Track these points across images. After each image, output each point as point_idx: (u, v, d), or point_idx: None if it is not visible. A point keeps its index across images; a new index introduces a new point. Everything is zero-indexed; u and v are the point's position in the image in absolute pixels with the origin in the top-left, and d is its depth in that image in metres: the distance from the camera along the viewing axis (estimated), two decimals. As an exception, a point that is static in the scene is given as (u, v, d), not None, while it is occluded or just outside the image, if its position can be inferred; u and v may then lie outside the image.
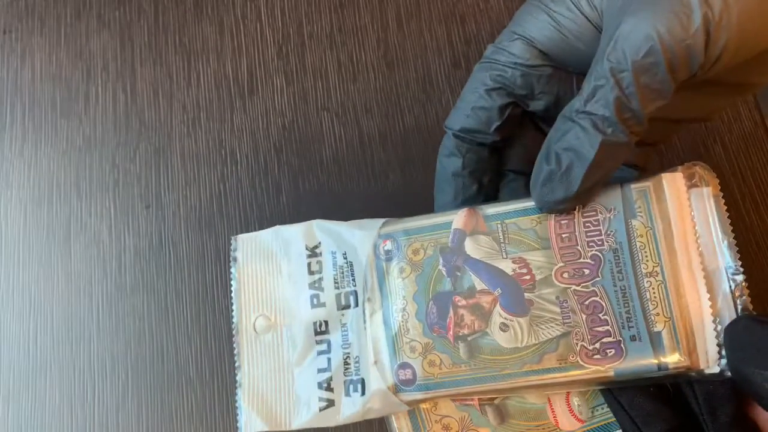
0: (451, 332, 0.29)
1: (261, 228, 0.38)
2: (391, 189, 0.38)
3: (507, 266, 0.29)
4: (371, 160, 0.38)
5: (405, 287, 0.30)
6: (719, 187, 0.28)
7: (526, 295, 0.28)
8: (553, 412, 0.31)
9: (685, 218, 0.28)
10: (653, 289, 0.27)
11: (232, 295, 0.32)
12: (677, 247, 0.27)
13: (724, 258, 0.27)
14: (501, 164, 0.33)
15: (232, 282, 0.32)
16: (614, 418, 0.31)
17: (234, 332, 0.31)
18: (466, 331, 0.29)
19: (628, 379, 0.27)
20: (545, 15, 0.29)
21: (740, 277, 0.27)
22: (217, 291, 0.37)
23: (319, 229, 0.32)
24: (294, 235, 0.32)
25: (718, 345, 0.26)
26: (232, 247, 0.32)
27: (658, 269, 0.27)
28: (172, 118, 0.39)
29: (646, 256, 0.28)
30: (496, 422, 0.30)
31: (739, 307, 0.27)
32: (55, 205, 0.38)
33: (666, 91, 0.25)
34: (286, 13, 0.41)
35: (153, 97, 0.39)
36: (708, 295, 0.27)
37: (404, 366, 0.29)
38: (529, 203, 0.29)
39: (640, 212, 0.28)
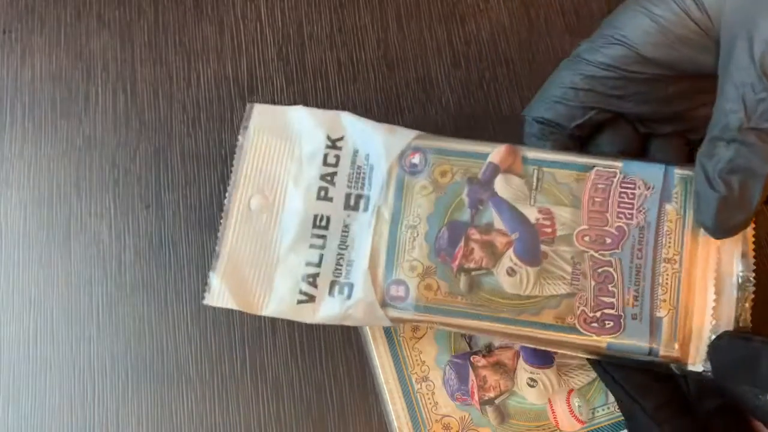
0: (456, 262, 0.28)
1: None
2: (391, 189, 0.38)
3: (531, 213, 0.28)
4: (371, 160, 0.38)
5: (422, 206, 0.29)
6: None
7: (542, 247, 0.28)
8: (553, 412, 0.30)
9: None
10: (667, 275, 0.27)
11: (233, 164, 0.30)
12: (700, 242, 0.27)
13: (739, 266, 0.27)
14: (590, 147, 0.32)
15: (236, 151, 0.30)
16: (615, 420, 0.31)
17: (225, 203, 0.30)
18: (472, 265, 0.28)
19: (616, 355, 0.27)
20: (647, 19, 0.28)
21: (750, 289, 0.27)
22: (217, 291, 0.37)
23: (347, 122, 0.30)
24: (318, 119, 0.31)
25: (708, 346, 0.27)
26: (245, 115, 0.31)
27: (677, 258, 0.27)
28: (172, 118, 0.39)
29: (670, 242, 0.27)
30: (497, 422, 0.30)
31: (740, 317, 0.27)
32: (54, 205, 0.38)
33: None
34: (286, 14, 0.41)
35: (153, 97, 0.39)
36: (714, 297, 0.27)
37: (398, 282, 0.29)
38: (575, 158, 0.29)
39: (676, 198, 0.28)
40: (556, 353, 0.28)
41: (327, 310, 0.29)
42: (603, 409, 0.31)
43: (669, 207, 0.28)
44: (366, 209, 0.29)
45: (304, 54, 0.40)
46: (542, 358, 0.30)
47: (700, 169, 0.26)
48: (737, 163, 0.25)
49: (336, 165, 0.30)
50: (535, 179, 0.28)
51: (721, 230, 0.26)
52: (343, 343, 0.36)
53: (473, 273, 0.28)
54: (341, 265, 0.29)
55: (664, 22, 0.28)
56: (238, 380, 0.36)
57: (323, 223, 0.30)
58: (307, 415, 0.35)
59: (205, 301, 0.30)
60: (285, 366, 0.36)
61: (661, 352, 0.27)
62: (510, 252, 0.28)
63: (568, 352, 0.29)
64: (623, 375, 0.28)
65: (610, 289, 0.27)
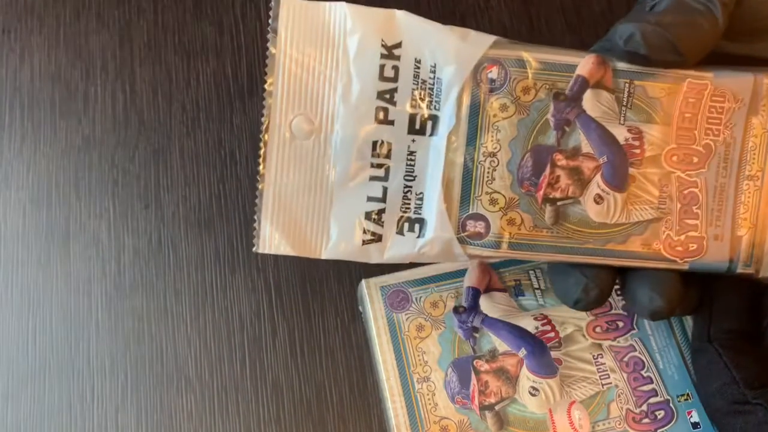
0: (541, 192, 0.26)
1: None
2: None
3: (621, 134, 0.26)
4: (371, 160, 0.38)
5: (503, 129, 0.26)
6: None
7: (630, 169, 0.26)
8: (553, 423, 0.30)
9: None
10: (749, 193, 0.26)
11: (266, 81, 0.25)
12: None
13: None
14: None
15: (267, 63, 0.25)
16: None
17: (262, 130, 0.26)
18: (558, 195, 0.26)
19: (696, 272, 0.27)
20: None
21: None
22: (217, 291, 0.37)
23: (406, 24, 0.25)
24: (367, 21, 0.25)
25: None
26: (272, 14, 0.25)
27: (760, 174, 0.26)
28: (171, 118, 0.39)
29: (754, 158, 0.26)
30: (495, 428, 0.30)
31: None
32: (53, 205, 0.38)
33: None
34: (285, 13, 0.40)
35: (152, 97, 0.39)
36: None
37: (477, 217, 0.26)
38: (667, 70, 0.26)
39: (764, 110, 0.26)
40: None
41: (397, 250, 0.26)
42: (604, 423, 0.30)
43: (755, 120, 0.26)
44: (435, 133, 0.26)
45: (304, 54, 0.40)
46: (546, 368, 0.29)
47: None
48: None
49: (395, 79, 0.25)
50: (626, 94, 0.26)
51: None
52: (343, 344, 0.36)
53: (559, 203, 0.26)
54: (409, 199, 0.26)
55: None
56: (237, 381, 0.36)
57: (384, 151, 0.26)
58: (306, 417, 0.35)
59: (256, 249, 0.26)
60: (285, 367, 0.36)
61: (739, 269, 0.26)
62: (598, 177, 0.26)
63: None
64: (721, 293, 0.28)
65: (695, 210, 0.26)
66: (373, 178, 0.26)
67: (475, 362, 0.27)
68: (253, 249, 0.26)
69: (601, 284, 0.26)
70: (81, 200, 0.38)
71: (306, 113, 0.26)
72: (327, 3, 0.26)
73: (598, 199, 0.26)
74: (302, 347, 0.36)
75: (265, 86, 0.25)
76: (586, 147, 0.26)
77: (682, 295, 0.27)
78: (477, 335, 0.27)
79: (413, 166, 0.26)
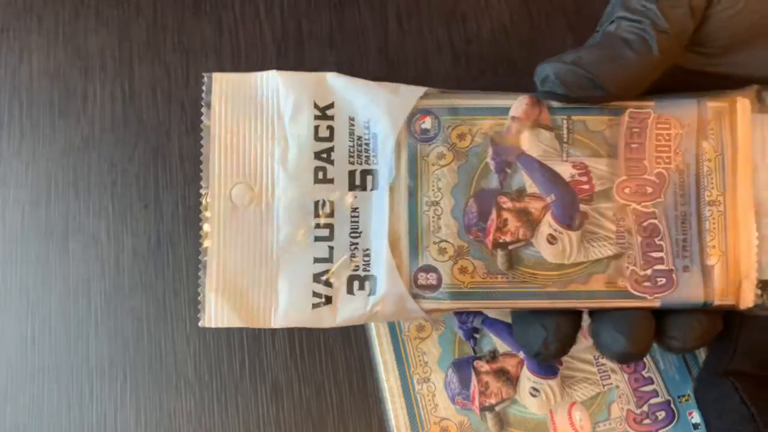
0: (490, 237, 0.25)
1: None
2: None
3: (566, 170, 0.25)
4: (371, 160, 0.38)
5: (443, 177, 0.25)
6: None
7: (581, 206, 0.25)
8: (554, 424, 0.30)
9: (747, 146, 0.26)
10: (713, 219, 0.25)
11: (202, 152, 0.26)
12: (739, 178, 0.25)
13: None
14: None
15: (202, 136, 0.25)
16: None
17: (202, 201, 0.26)
18: (508, 238, 0.25)
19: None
20: None
21: None
22: (216, 291, 0.37)
23: (336, 84, 0.26)
24: (298, 86, 0.26)
25: (757, 285, 0.25)
26: (204, 88, 0.26)
27: (721, 198, 0.25)
28: (170, 117, 0.39)
29: (711, 183, 0.25)
30: (495, 429, 0.30)
31: None
32: (52, 204, 0.38)
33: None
34: (285, 12, 0.40)
35: (151, 97, 0.39)
36: (756, 234, 0.25)
37: (428, 269, 0.25)
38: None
39: (712, 134, 0.25)
40: (561, 365, 0.27)
41: (349, 311, 0.25)
42: (605, 424, 0.30)
43: (706, 144, 0.25)
44: (375, 187, 0.26)
45: (304, 53, 0.40)
46: (546, 369, 0.29)
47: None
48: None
49: (331, 138, 0.25)
50: (565, 130, 0.26)
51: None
52: (343, 344, 0.36)
53: (511, 247, 0.25)
54: (357, 256, 0.26)
55: None
56: (237, 381, 0.36)
57: (327, 210, 0.26)
58: (306, 417, 0.35)
59: (202, 323, 0.25)
60: (284, 367, 0.36)
61: (716, 302, 0.25)
62: (548, 217, 0.25)
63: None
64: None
65: (658, 242, 0.25)
66: (318, 239, 0.26)
67: (475, 363, 0.27)
68: (199, 323, 0.26)
69: (561, 337, 0.25)
70: (80, 200, 0.38)
71: (245, 181, 0.26)
72: (259, 73, 0.26)
73: (552, 240, 0.25)
74: (302, 347, 0.36)
75: (201, 158, 0.26)
76: (531, 187, 0.25)
77: (651, 334, 0.26)
78: (477, 336, 0.27)
79: (357, 222, 0.26)
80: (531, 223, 0.25)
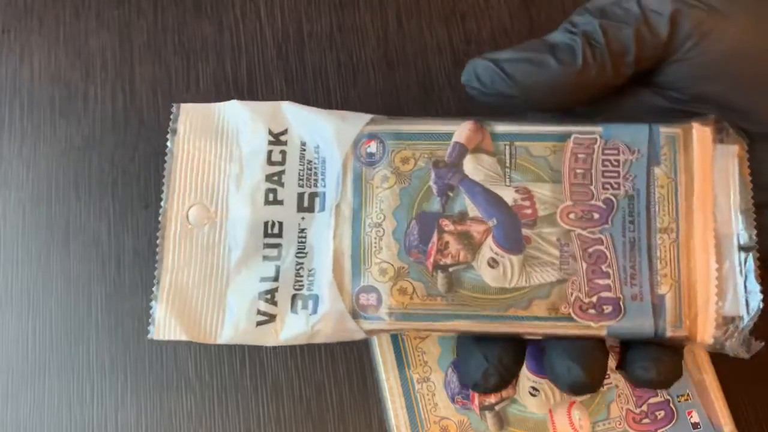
0: (431, 259, 0.25)
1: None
2: (391, 189, 0.38)
3: (508, 195, 0.25)
4: (371, 160, 0.38)
5: (386, 199, 0.26)
6: (746, 149, 0.26)
7: (524, 231, 0.25)
8: (553, 423, 0.30)
9: (707, 175, 0.25)
10: (665, 247, 0.25)
11: (164, 174, 0.27)
12: (695, 206, 0.25)
13: (738, 225, 0.25)
14: None
15: (166, 159, 0.27)
16: None
17: (160, 219, 0.27)
18: (448, 261, 0.25)
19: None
20: None
21: (754, 247, 0.25)
22: (217, 291, 0.37)
23: (290, 112, 0.27)
24: (255, 114, 0.27)
25: (716, 319, 0.24)
26: (172, 116, 0.28)
27: (673, 226, 0.25)
28: (171, 117, 0.39)
29: (663, 210, 0.25)
30: (495, 428, 0.30)
31: (747, 281, 0.25)
32: (53, 204, 0.38)
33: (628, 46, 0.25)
34: (285, 13, 0.40)
35: (152, 97, 0.39)
36: (716, 265, 0.25)
37: (368, 290, 0.26)
38: (549, 128, 0.26)
39: (665, 160, 0.25)
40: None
41: (291, 329, 0.26)
42: (604, 424, 0.30)
43: (658, 171, 0.25)
44: (322, 209, 0.26)
45: (304, 54, 0.40)
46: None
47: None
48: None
49: (283, 162, 0.27)
50: (507, 156, 0.26)
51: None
52: (343, 344, 0.36)
53: (451, 269, 0.25)
54: (302, 276, 0.26)
55: None
56: (237, 381, 0.36)
57: (275, 231, 0.26)
58: (306, 416, 0.35)
59: (150, 336, 0.26)
60: (284, 367, 0.36)
61: (669, 333, 0.24)
62: (489, 241, 0.25)
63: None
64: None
65: (604, 269, 0.25)
66: (266, 258, 0.26)
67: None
68: (148, 336, 0.26)
69: (502, 369, 0.25)
70: (81, 200, 0.38)
71: (202, 202, 0.27)
72: (221, 103, 0.28)
73: (493, 263, 0.25)
74: (302, 347, 0.36)
75: (163, 180, 0.27)
76: (473, 211, 0.26)
77: (604, 366, 0.25)
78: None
79: (304, 242, 0.26)
80: (472, 246, 0.25)
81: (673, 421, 0.30)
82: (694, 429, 0.30)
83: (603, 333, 0.25)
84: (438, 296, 0.25)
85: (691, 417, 0.31)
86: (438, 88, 0.39)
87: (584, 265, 0.25)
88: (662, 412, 0.30)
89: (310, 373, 0.36)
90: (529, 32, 0.40)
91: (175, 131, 0.27)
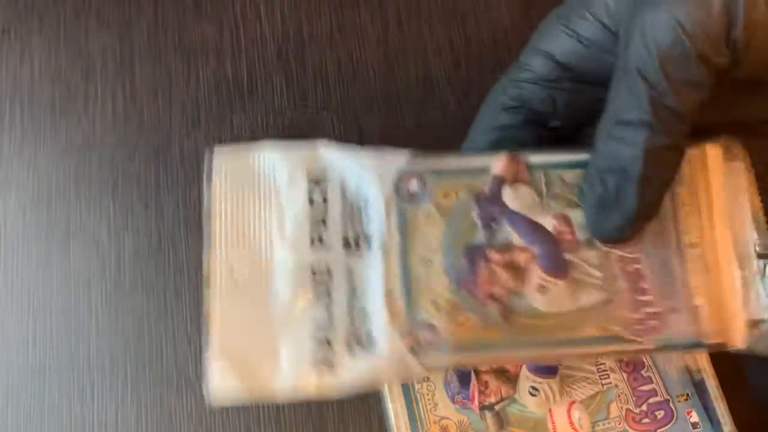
0: (482, 290, 0.26)
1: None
2: (390, 189, 0.38)
3: (548, 222, 0.26)
4: (371, 160, 0.38)
5: (432, 235, 0.26)
6: (750, 163, 0.27)
7: (566, 255, 0.26)
8: (553, 423, 0.30)
9: (723, 191, 0.26)
10: (694, 261, 0.26)
11: (204, 225, 0.27)
12: (716, 221, 0.26)
13: (753, 234, 0.26)
14: None
15: (205, 210, 0.27)
16: None
17: (204, 272, 0.26)
18: (499, 291, 0.26)
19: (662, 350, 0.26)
20: (563, 27, 0.28)
21: None
22: (217, 291, 0.37)
23: (327, 153, 0.27)
24: (292, 156, 0.27)
25: (746, 324, 0.26)
26: (206, 161, 0.27)
27: (699, 241, 0.26)
28: (171, 117, 0.39)
29: (690, 226, 0.26)
30: (495, 428, 0.30)
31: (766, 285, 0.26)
32: (53, 204, 0.38)
33: (702, 82, 0.24)
34: (285, 13, 0.40)
35: (152, 97, 0.39)
36: (740, 272, 0.26)
37: (425, 326, 0.26)
38: (578, 156, 0.27)
39: (687, 179, 0.26)
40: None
41: (352, 374, 0.25)
42: (604, 423, 0.30)
43: (680, 189, 0.26)
44: (369, 248, 0.26)
45: (304, 54, 0.40)
46: (546, 368, 0.29)
47: (587, 166, 0.26)
48: (613, 160, 0.25)
49: (325, 205, 0.27)
50: (543, 185, 0.27)
51: (597, 233, 0.26)
52: (342, 344, 0.36)
53: (503, 299, 0.26)
54: (355, 317, 0.26)
55: (579, 27, 0.27)
56: (237, 381, 0.36)
57: (324, 273, 0.26)
58: (306, 417, 0.35)
59: (208, 399, 0.25)
60: (284, 366, 0.36)
61: (708, 340, 0.25)
62: (535, 267, 0.26)
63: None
64: None
65: (644, 287, 0.26)
66: (316, 303, 0.26)
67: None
68: (207, 402, 0.26)
69: None
70: (81, 200, 0.38)
71: (246, 250, 0.26)
72: (254, 147, 0.27)
73: (541, 289, 0.26)
74: (302, 347, 0.36)
75: (204, 229, 0.26)
76: (518, 240, 0.26)
77: None
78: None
79: (353, 283, 0.26)
80: (520, 274, 0.26)
81: (673, 421, 0.30)
82: (693, 429, 0.31)
83: (652, 347, 0.26)
84: (494, 326, 0.26)
85: (691, 417, 0.31)
86: (438, 88, 0.39)
87: (625, 284, 0.26)
88: (662, 412, 0.30)
89: (310, 373, 0.36)
90: (529, 33, 0.40)
91: (211, 179, 0.27)
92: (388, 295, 0.26)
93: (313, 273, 0.26)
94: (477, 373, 0.27)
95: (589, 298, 0.26)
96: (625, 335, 0.26)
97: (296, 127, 0.39)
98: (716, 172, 0.27)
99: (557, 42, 0.28)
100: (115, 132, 0.39)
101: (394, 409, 0.31)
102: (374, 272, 0.26)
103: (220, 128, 0.39)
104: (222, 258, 0.26)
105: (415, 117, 0.39)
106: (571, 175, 0.27)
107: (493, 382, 0.28)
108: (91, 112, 0.39)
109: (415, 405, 0.31)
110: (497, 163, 0.27)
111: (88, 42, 0.40)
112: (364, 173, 0.27)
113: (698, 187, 0.26)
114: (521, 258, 0.26)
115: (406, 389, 0.31)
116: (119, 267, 0.37)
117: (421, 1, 0.41)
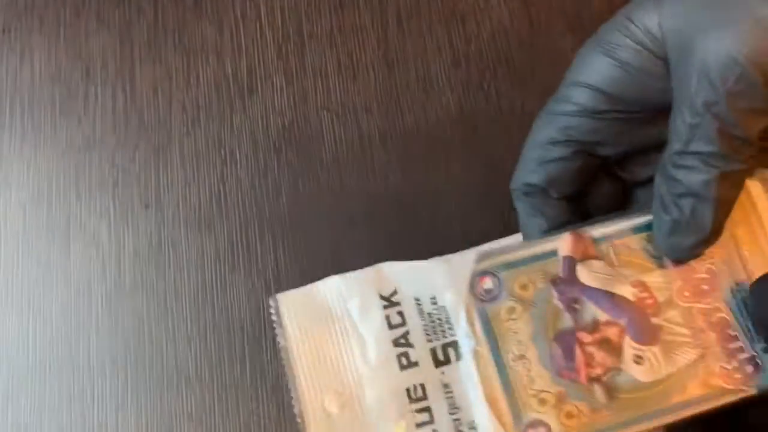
0: (583, 374, 0.26)
1: (261, 228, 0.38)
2: (391, 189, 0.38)
3: (627, 291, 0.26)
4: (371, 160, 0.38)
5: (520, 330, 0.26)
6: None
7: (652, 320, 0.26)
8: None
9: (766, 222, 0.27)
10: None
11: (284, 371, 0.26)
12: None
13: None
14: (583, 214, 0.31)
15: (281, 355, 0.26)
16: None
17: (297, 418, 0.26)
18: (599, 371, 0.26)
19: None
20: (604, 56, 0.28)
21: None
22: (217, 292, 0.37)
23: (393, 272, 0.27)
24: (358, 283, 0.27)
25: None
26: (272, 310, 0.27)
27: (765, 269, 0.26)
28: (171, 117, 0.39)
29: (756, 264, 0.26)
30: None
31: None
32: (54, 204, 0.38)
33: (767, 109, 0.24)
34: (285, 13, 0.40)
35: (152, 97, 0.39)
36: None
37: (536, 424, 0.25)
38: (634, 220, 0.27)
39: (740, 219, 0.27)
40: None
41: None
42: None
43: (739, 231, 0.27)
44: (459, 358, 0.26)
45: (304, 54, 0.40)
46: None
47: (656, 190, 0.27)
48: (686, 186, 0.26)
49: (404, 323, 0.26)
50: (613, 256, 0.27)
51: (672, 253, 0.26)
52: (343, 344, 0.36)
53: (605, 378, 0.26)
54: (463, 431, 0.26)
55: (621, 54, 0.27)
56: (237, 381, 0.36)
57: (420, 394, 0.26)
58: (306, 416, 0.35)
59: None
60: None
61: None
62: (627, 339, 0.26)
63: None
64: None
65: (731, 333, 0.26)
66: (419, 425, 0.25)
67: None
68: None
69: None
70: (81, 200, 0.38)
71: (334, 387, 0.26)
72: (320, 283, 0.27)
73: (638, 360, 0.26)
74: (302, 347, 0.36)
75: (286, 372, 0.26)
76: (603, 316, 0.26)
77: None
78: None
79: (452, 397, 0.26)
80: (614, 349, 0.26)
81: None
82: None
83: (755, 392, 0.26)
84: (603, 408, 0.26)
85: None
86: (438, 88, 0.39)
87: (713, 335, 0.26)
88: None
89: (311, 373, 0.36)
90: (529, 32, 0.40)
91: (282, 325, 0.27)
92: (491, 401, 0.26)
93: (410, 396, 0.26)
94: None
95: (684, 357, 0.26)
96: (727, 387, 0.26)
97: (296, 127, 0.39)
98: (764, 207, 0.27)
99: (599, 71, 0.28)
100: (116, 132, 0.39)
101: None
102: (470, 381, 0.26)
103: (220, 128, 0.39)
104: (312, 399, 0.26)
105: (415, 117, 0.39)
106: (635, 240, 0.27)
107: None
108: (91, 113, 0.39)
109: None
110: (564, 244, 0.27)
111: (88, 42, 0.40)
112: (434, 283, 0.27)
113: (754, 226, 0.27)
114: (611, 333, 0.26)
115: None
116: (119, 267, 0.37)
117: (421, 1, 0.41)
